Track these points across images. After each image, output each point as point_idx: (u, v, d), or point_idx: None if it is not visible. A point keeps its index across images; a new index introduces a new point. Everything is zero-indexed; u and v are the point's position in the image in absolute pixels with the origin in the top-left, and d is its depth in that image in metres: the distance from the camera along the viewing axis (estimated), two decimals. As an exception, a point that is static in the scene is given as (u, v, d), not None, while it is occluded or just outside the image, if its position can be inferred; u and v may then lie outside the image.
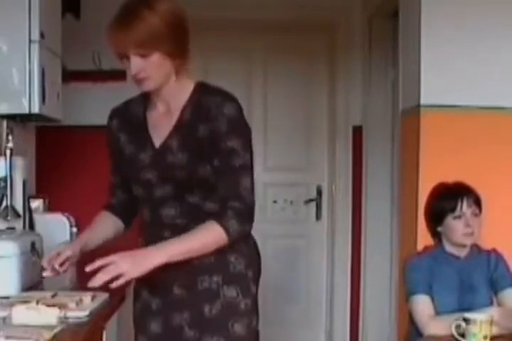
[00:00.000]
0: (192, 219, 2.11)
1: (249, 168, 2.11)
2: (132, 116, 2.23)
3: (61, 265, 2.13)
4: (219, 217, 2.07)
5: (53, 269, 2.13)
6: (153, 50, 2.03)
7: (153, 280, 2.16)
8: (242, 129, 2.11)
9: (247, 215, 2.10)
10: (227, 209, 2.07)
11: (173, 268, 2.07)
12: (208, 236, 2.08)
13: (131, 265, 1.96)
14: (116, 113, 2.28)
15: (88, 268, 1.95)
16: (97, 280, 1.92)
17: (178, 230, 2.10)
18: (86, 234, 2.27)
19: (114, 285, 1.94)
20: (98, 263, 1.95)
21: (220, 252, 2.12)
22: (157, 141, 2.15)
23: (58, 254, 2.14)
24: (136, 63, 2.04)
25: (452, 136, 3.25)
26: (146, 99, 2.21)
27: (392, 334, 4.18)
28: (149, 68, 2.06)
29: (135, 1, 2.09)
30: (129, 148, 2.19)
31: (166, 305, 2.18)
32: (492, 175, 3.21)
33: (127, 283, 2.02)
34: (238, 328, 2.13)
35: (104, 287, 2.34)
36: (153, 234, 2.18)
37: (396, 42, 3.94)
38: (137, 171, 2.16)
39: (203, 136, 2.08)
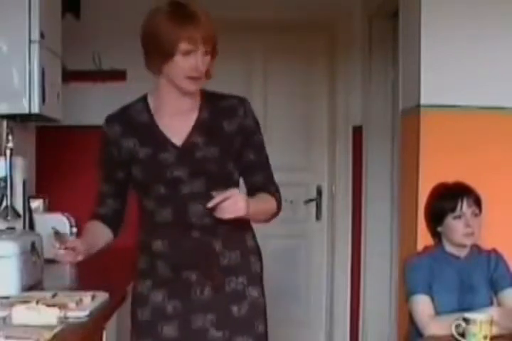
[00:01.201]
0: (217, 218, 2.12)
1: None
2: (135, 121, 2.23)
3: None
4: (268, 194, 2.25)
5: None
6: (213, 49, 2.14)
7: (172, 284, 2.18)
8: (260, 125, 2.30)
9: (280, 199, 2.32)
10: (268, 192, 2.26)
11: (204, 269, 2.15)
12: (272, 204, 2.27)
13: (244, 204, 2.05)
14: (115, 120, 2.25)
15: (210, 204, 2.04)
16: (226, 215, 2.05)
17: (207, 230, 2.16)
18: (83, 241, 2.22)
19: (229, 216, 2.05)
20: (219, 198, 2.03)
21: (245, 251, 2.24)
22: (177, 141, 2.18)
23: (73, 244, 2.10)
24: (204, 60, 2.11)
25: (452, 135, 3.25)
26: (147, 104, 2.24)
27: (392, 334, 4.17)
28: (206, 67, 2.14)
29: (184, 1, 2.13)
30: (144, 150, 2.19)
31: (186, 308, 2.18)
32: (492, 175, 3.21)
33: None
34: (261, 327, 2.22)
35: (105, 287, 2.35)
36: (178, 234, 2.17)
37: (396, 42, 3.94)
38: (162, 170, 2.16)
39: (230, 131, 2.20)
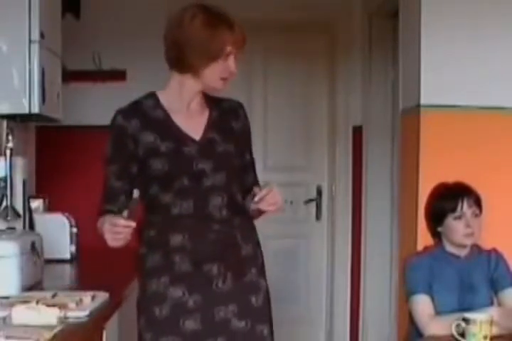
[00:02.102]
0: (233, 211, 2.26)
1: None
2: (150, 116, 2.27)
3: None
4: None
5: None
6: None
7: (191, 278, 2.22)
8: None
9: None
10: None
11: (227, 260, 2.22)
12: None
13: (280, 197, 2.22)
14: (131, 114, 2.27)
15: (257, 198, 2.17)
16: (271, 207, 2.21)
17: (225, 223, 2.24)
18: None
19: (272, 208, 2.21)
20: (264, 192, 2.17)
21: (255, 245, 2.34)
22: (194, 136, 2.26)
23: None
24: (236, 61, 2.22)
25: (452, 135, 3.25)
26: (158, 101, 2.29)
27: (392, 334, 4.17)
28: None
29: (211, 5, 2.24)
30: (165, 144, 2.23)
31: (208, 301, 2.23)
32: (492, 175, 3.21)
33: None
34: (271, 316, 2.34)
35: (105, 287, 2.35)
36: (199, 227, 2.22)
37: (396, 42, 3.94)
38: (188, 162, 2.23)
39: (238, 130, 2.35)
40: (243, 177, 2.37)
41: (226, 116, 2.34)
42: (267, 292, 2.35)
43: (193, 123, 2.28)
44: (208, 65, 2.20)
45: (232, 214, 2.26)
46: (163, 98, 2.30)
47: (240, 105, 2.40)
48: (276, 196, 2.20)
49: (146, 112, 2.27)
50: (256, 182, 2.40)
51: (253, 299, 2.28)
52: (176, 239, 2.22)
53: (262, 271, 2.35)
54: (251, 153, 2.43)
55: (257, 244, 2.37)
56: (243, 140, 2.36)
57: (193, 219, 2.22)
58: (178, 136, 2.25)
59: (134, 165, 2.26)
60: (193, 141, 2.25)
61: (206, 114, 2.32)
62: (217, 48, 2.18)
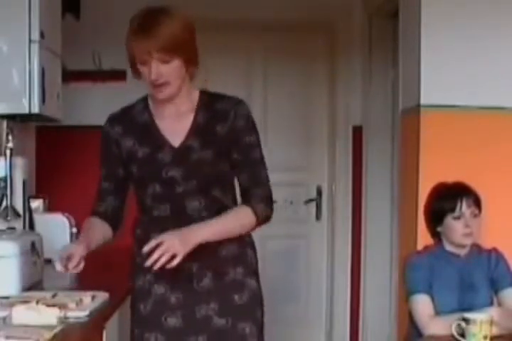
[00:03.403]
0: (214, 212, 2.23)
1: (264, 160, 2.32)
2: (136, 121, 2.29)
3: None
4: (247, 201, 2.27)
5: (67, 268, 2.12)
6: (175, 56, 2.14)
7: (173, 275, 2.20)
8: (255, 126, 2.34)
9: (269, 200, 2.30)
10: (252, 195, 2.27)
11: (203, 260, 2.20)
12: (242, 217, 2.26)
13: (179, 244, 2.07)
14: (116, 120, 2.31)
15: (146, 249, 2.06)
16: (158, 264, 2.05)
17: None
18: (84, 238, 2.24)
19: (169, 266, 2.07)
20: (152, 243, 2.06)
21: (242, 244, 2.31)
22: (174, 142, 2.24)
23: (70, 255, 2.11)
24: (156, 68, 2.14)
25: (452, 135, 3.25)
26: (147, 105, 2.30)
27: (392, 334, 4.17)
28: (169, 74, 2.16)
29: (154, 9, 2.19)
30: (142, 150, 2.25)
31: (189, 298, 2.24)
32: (492, 175, 3.21)
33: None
34: (259, 314, 2.31)
35: (105, 287, 2.35)
36: (177, 228, 2.19)
37: (396, 43, 3.94)
38: (158, 170, 2.22)
39: (222, 134, 2.25)
40: (237, 178, 2.31)
41: (213, 119, 2.26)
42: (256, 291, 2.31)
43: (177, 128, 2.26)
44: (133, 71, 2.21)
45: (214, 214, 2.22)
46: (152, 102, 2.30)
47: (234, 105, 2.28)
48: (170, 249, 2.06)
49: (133, 117, 2.30)
50: (253, 183, 2.28)
51: (236, 297, 2.26)
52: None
53: (250, 270, 2.32)
54: (245, 152, 2.27)
55: (246, 243, 2.33)
56: (228, 141, 2.25)
57: (172, 221, 2.23)
58: (157, 142, 2.25)
59: (119, 169, 2.30)
60: (170, 147, 2.24)
61: (192, 117, 2.28)
62: (130, 54, 2.17)
